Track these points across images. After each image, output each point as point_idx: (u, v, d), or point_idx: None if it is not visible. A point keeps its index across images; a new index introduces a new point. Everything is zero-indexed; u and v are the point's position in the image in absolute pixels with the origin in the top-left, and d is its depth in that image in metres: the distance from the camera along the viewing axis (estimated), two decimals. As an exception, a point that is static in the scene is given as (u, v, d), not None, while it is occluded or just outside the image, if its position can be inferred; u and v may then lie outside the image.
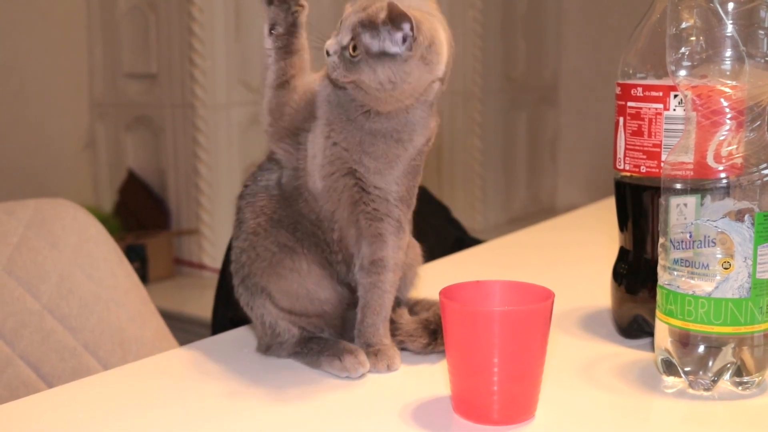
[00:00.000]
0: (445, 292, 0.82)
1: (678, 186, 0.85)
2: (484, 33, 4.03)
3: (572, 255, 1.48)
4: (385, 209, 0.94)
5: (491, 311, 0.79)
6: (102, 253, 1.38)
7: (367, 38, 0.86)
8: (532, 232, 1.69)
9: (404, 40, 0.86)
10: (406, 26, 0.85)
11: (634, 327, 1.01)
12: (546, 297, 0.81)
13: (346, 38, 0.87)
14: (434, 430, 0.79)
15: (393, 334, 0.97)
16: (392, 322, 0.97)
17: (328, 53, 0.88)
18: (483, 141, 4.01)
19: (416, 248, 1.04)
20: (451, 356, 0.81)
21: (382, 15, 0.85)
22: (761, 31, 0.81)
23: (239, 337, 1.06)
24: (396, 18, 0.84)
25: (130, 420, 0.83)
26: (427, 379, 0.91)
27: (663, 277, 0.87)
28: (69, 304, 1.31)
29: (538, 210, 4.34)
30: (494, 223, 4.09)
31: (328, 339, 0.97)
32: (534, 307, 0.79)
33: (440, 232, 1.68)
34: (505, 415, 0.79)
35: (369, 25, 0.85)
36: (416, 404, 0.85)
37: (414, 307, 1.04)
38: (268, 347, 0.98)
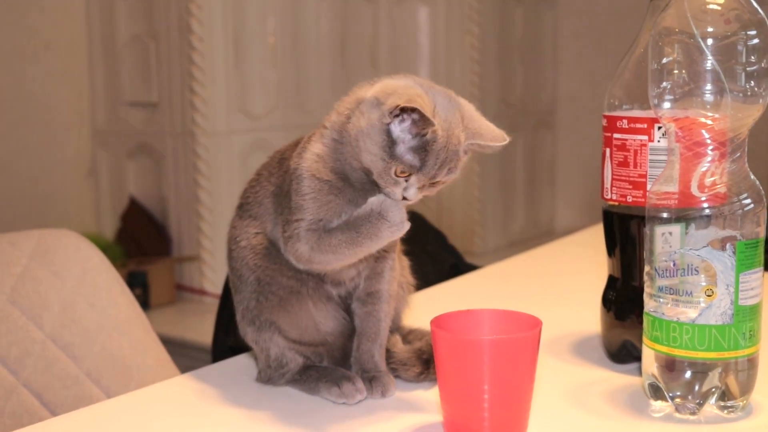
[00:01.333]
0: (436, 321, 0.84)
1: (663, 215, 0.88)
2: (481, 59, 4.07)
3: (565, 281, 1.51)
4: (385, 250, 0.97)
5: (480, 340, 0.81)
6: (104, 283, 1.40)
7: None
8: (527, 258, 1.72)
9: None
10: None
11: (623, 352, 1.04)
12: (534, 326, 0.83)
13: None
14: (427, 456, 0.82)
15: (387, 363, 1.00)
16: (386, 350, 1.00)
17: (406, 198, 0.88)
18: (481, 165, 4.04)
19: (410, 286, 1.07)
20: (442, 383, 0.83)
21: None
22: (738, 66, 0.84)
23: (239, 364, 1.09)
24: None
25: (132, 447, 0.85)
26: (421, 405, 0.94)
27: (649, 304, 0.90)
28: (72, 332, 1.34)
29: (537, 233, 4.37)
30: (493, 247, 4.12)
31: (327, 367, 1.00)
32: (522, 336, 0.81)
33: (436, 258, 1.70)
34: (496, 440, 0.82)
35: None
36: (410, 430, 0.87)
37: (408, 335, 1.06)
38: (269, 378, 1.01)
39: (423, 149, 0.85)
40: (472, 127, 0.88)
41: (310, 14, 3.57)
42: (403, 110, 0.83)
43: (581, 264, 1.58)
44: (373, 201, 0.89)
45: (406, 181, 0.86)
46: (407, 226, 0.88)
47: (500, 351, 0.80)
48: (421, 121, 0.83)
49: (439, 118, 0.85)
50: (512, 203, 4.37)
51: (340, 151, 0.89)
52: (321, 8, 3.62)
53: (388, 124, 0.84)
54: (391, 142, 0.85)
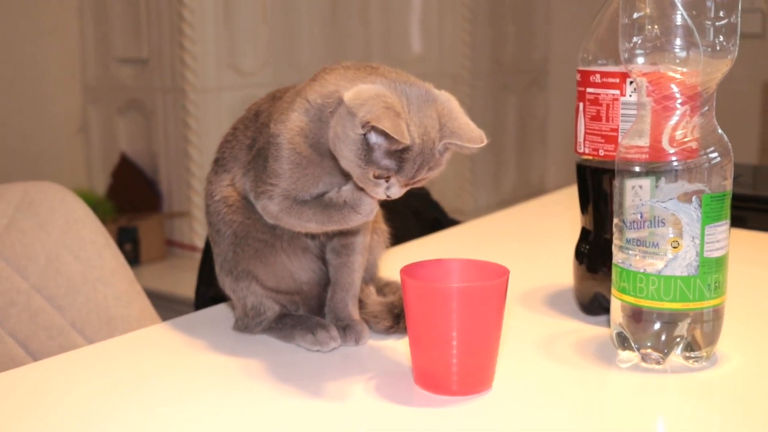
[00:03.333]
0: (406, 270, 0.86)
1: (633, 168, 0.89)
2: (473, 17, 4.07)
3: (544, 237, 1.52)
4: None
5: (449, 287, 0.83)
6: (89, 235, 1.42)
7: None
8: (508, 214, 1.74)
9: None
10: None
11: (595, 304, 1.06)
12: (502, 274, 0.85)
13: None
14: (396, 401, 0.83)
15: (359, 313, 1.02)
16: (360, 301, 1.02)
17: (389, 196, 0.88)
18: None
19: (384, 232, 1.08)
20: (411, 331, 0.85)
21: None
22: (708, 21, 0.85)
23: (218, 313, 1.11)
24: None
25: (114, 392, 0.87)
26: (392, 353, 0.96)
27: (617, 256, 0.92)
28: (57, 283, 1.35)
29: (527, 192, 4.38)
30: (484, 205, 4.14)
31: (302, 315, 1.02)
32: (490, 284, 0.83)
33: (419, 213, 1.72)
34: (463, 386, 0.84)
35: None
36: (380, 376, 0.89)
37: (383, 288, 1.08)
38: (246, 327, 1.03)
39: (399, 154, 0.84)
40: (450, 126, 0.87)
41: (302, -30, 3.56)
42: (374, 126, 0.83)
43: (561, 220, 1.60)
44: (347, 193, 0.90)
45: (387, 181, 0.86)
46: (375, 211, 0.90)
47: (468, 298, 0.81)
48: (392, 137, 0.82)
49: (413, 124, 0.84)
50: (503, 162, 4.38)
51: (322, 130, 0.89)
52: (312, -36, 3.61)
53: (362, 135, 0.84)
54: (367, 149, 0.84)
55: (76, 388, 0.88)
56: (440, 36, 4.05)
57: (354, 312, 1.01)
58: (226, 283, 1.02)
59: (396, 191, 0.87)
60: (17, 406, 0.84)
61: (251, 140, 0.98)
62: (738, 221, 1.51)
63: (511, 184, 4.42)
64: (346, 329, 0.98)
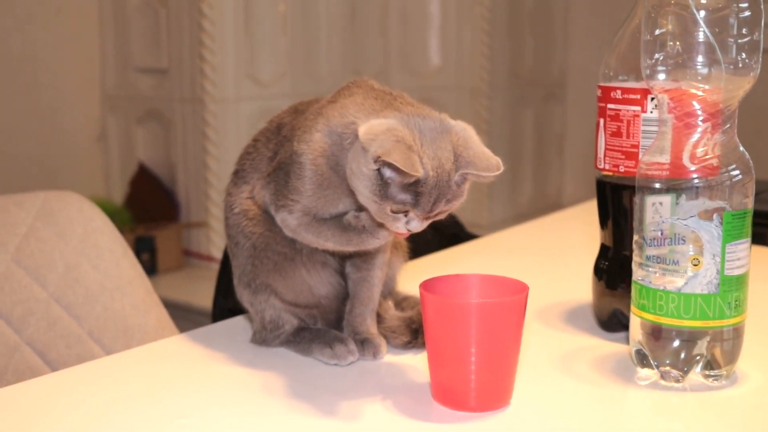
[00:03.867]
0: (425, 285, 0.86)
1: (654, 185, 0.89)
2: (491, 30, 4.06)
3: (562, 251, 1.52)
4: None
5: (468, 303, 0.83)
6: (107, 244, 1.42)
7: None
8: (526, 228, 1.73)
9: None
10: None
11: (613, 321, 1.05)
12: (521, 290, 0.85)
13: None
14: (414, 417, 0.83)
15: (377, 327, 1.02)
16: (378, 315, 1.02)
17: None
18: (490, 137, 4.04)
19: (403, 247, 1.08)
20: (430, 346, 0.85)
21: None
22: (730, 39, 0.85)
23: (236, 325, 1.11)
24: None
25: (131, 403, 0.87)
26: (410, 368, 0.96)
27: (637, 273, 0.91)
28: (75, 292, 1.36)
29: (544, 206, 4.37)
30: (500, 219, 4.12)
31: (320, 329, 1.02)
32: (509, 300, 0.83)
33: (437, 227, 1.71)
34: (482, 402, 0.83)
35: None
36: (398, 392, 0.89)
37: (401, 302, 1.08)
38: (263, 340, 1.03)
39: (414, 188, 0.84)
40: (466, 156, 0.86)
41: (321, -18, 3.57)
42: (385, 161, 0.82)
43: (580, 235, 1.59)
44: (366, 220, 0.90)
45: (405, 215, 0.86)
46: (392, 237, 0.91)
47: (487, 314, 0.81)
48: (403, 170, 0.82)
49: (426, 156, 0.83)
50: (520, 176, 4.37)
51: (342, 154, 0.89)
52: (332, -24, 3.62)
53: (375, 170, 0.84)
54: (381, 185, 0.84)
55: (93, 399, 0.88)
56: (459, 48, 4.05)
57: (372, 326, 1.01)
58: (244, 296, 1.02)
59: (416, 225, 0.87)
60: (35, 416, 0.84)
61: (272, 153, 0.98)
62: (758, 238, 1.51)
63: (527, 198, 4.41)
64: (364, 343, 0.98)
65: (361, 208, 0.90)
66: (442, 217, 0.89)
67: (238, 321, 1.12)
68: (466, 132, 0.88)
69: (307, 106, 0.97)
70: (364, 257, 1.01)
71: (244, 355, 1.00)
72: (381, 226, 0.89)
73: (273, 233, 0.98)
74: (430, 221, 0.88)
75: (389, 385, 0.91)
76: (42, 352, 1.31)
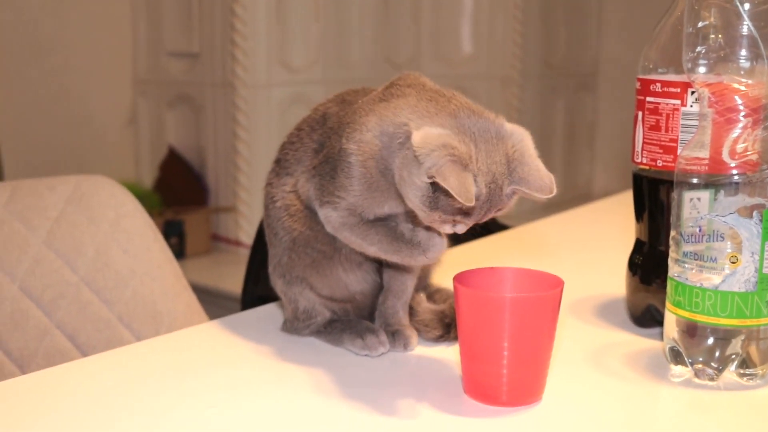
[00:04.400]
0: (459, 278, 0.85)
1: (692, 180, 0.87)
2: (524, 18, 4.04)
3: (594, 244, 1.51)
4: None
5: (502, 297, 0.82)
6: (138, 229, 1.42)
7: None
8: (557, 220, 1.72)
9: None
10: None
11: (647, 316, 1.04)
12: (556, 285, 0.84)
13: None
14: (445, 410, 0.82)
15: (409, 320, 1.01)
16: (410, 308, 1.01)
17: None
18: (520, 126, 4.02)
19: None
20: (463, 340, 0.84)
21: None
22: (774, 33, 0.83)
23: (267, 313, 1.10)
24: None
25: (159, 390, 0.87)
26: (442, 361, 0.95)
27: (673, 269, 0.90)
28: (105, 277, 1.36)
29: (574, 196, 4.34)
30: (530, 209, 4.10)
31: (351, 319, 1.01)
32: (543, 295, 0.82)
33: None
34: (513, 397, 0.83)
35: None
36: (430, 384, 0.88)
37: (434, 294, 1.07)
38: (294, 329, 1.02)
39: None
40: (520, 172, 0.84)
41: (354, -32, 3.56)
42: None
43: (612, 228, 1.58)
44: (423, 235, 0.89)
45: (454, 220, 0.84)
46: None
47: (521, 309, 0.80)
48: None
49: (480, 173, 0.81)
50: (550, 165, 4.26)
51: (392, 157, 0.86)
52: (365, -37, 3.61)
53: (428, 183, 0.81)
54: (433, 197, 0.82)
55: (122, 385, 0.88)
56: (491, 36, 4.03)
57: (404, 318, 1.00)
58: (278, 284, 1.02)
59: (462, 228, 0.86)
60: (65, 401, 0.84)
61: (318, 144, 0.96)
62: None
63: (557, 188, 4.37)
64: (395, 334, 0.97)
65: (408, 211, 0.89)
66: (485, 219, 0.88)
67: (269, 309, 1.12)
68: (523, 143, 0.86)
69: (355, 97, 0.95)
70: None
71: (274, 344, 0.99)
72: (434, 243, 0.89)
73: (314, 231, 0.97)
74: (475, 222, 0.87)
75: (420, 377, 0.91)
76: (72, 336, 1.31)
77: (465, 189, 0.78)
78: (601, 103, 4.53)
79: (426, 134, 0.82)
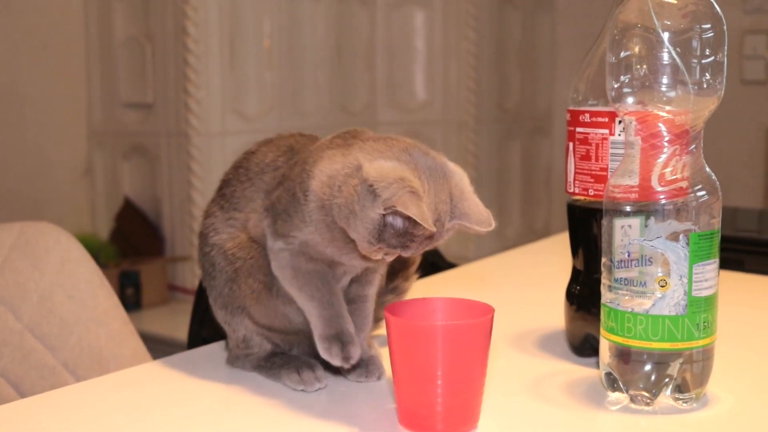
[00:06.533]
0: (391, 309, 0.85)
1: (623, 208, 0.89)
2: (477, 64, 4.08)
3: (539, 279, 1.52)
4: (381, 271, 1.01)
5: (433, 325, 0.83)
6: (83, 275, 1.41)
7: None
8: (505, 257, 1.73)
9: None
10: None
11: (586, 345, 1.05)
12: (486, 312, 0.84)
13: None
14: (381, 441, 0.82)
15: None
16: None
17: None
18: (477, 170, 4.05)
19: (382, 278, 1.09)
20: (396, 370, 0.84)
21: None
22: (694, 60, 0.85)
23: (210, 352, 1.10)
24: None
25: (104, 430, 0.86)
26: (376, 393, 0.95)
27: (606, 296, 0.91)
28: (50, 323, 1.35)
29: (532, 239, 4.36)
30: (487, 252, 4.11)
31: (292, 355, 1.01)
32: (474, 322, 0.82)
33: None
34: (449, 425, 0.82)
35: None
36: (365, 417, 0.88)
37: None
38: (236, 358, 1.03)
39: (411, 235, 0.85)
40: (461, 207, 0.88)
41: (306, 17, 3.59)
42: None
43: (559, 263, 1.59)
44: (347, 337, 0.93)
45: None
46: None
47: (453, 336, 0.80)
48: (416, 222, 0.83)
49: (429, 208, 0.85)
50: (507, 209, 4.37)
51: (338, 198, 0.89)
52: (317, 11, 3.63)
53: (381, 215, 0.84)
54: (380, 229, 0.85)
55: (63, 426, 0.87)
56: (445, 82, 4.07)
57: (372, 348, 1.02)
58: (219, 315, 1.02)
59: (391, 258, 0.90)
60: (-3, 443, 0.83)
61: (269, 186, 0.98)
62: (736, 264, 1.51)
63: (515, 231, 4.41)
64: (369, 365, 0.98)
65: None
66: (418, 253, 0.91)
67: (213, 348, 1.11)
68: (463, 181, 0.90)
69: (302, 141, 0.99)
70: (358, 293, 1.01)
71: (217, 380, 0.99)
72: (355, 347, 0.93)
73: (257, 261, 0.98)
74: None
75: (356, 410, 0.90)
76: (15, 384, 1.30)
77: (426, 217, 0.82)
78: (557, 146, 4.58)
79: (381, 167, 0.85)
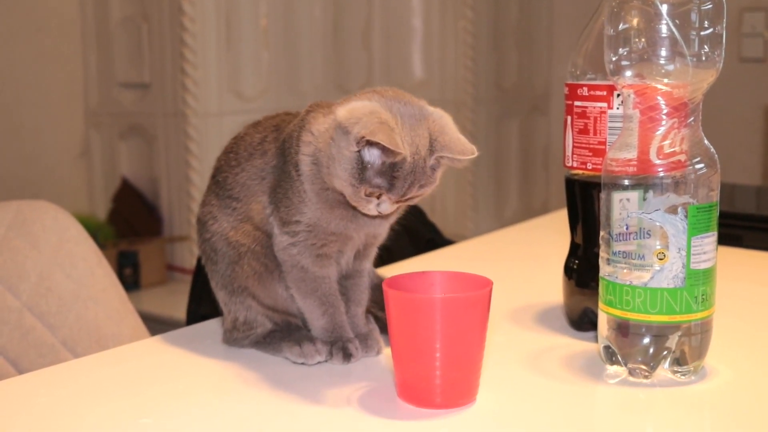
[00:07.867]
0: (390, 282, 0.85)
1: (621, 182, 0.88)
2: (475, 43, 4.07)
3: (538, 254, 1.52)
4: (374, 237, 1.01)
5: (432, 298, 0.82)
6: (81, 253, 1.41)
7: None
8: (504, 233, 1.73)
9: None
10: None
11: (584, 320, 1.05)
12: (485, 285, 0.84)
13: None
14: (379, 415, 0.82)
15: None
16: None
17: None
18: (475, 146, 4.04)
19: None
20: (394, 344, 0.84)
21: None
22: (693, 32, 0.85)
23: (208, 328, 1.10)
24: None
25: (96, 403, 0.86)
26: (374, 366, 0.95)
27: (604, 269, 0.91)
28: (48, 302, 1.35)
29: (530, 217, 4.36)
30: (486, 231, 4.11)
31: (292, 328, 1.01)
32: (473, 294, 0.82)
33: (414, 233, 1.71)
34: (447, 399, 0.83)
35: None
36: (364, 390, 0.88)
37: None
38: (234, 340, 1.03)
39: (391, 172, 0.86)
40: (441, 141, 0.88)
41: (303, -3, 3.58)
42: (369, 141, 0.84)
43: (557, 238, 1.59)
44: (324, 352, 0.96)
45: (378, 197, 0.88)
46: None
47: (452, 309, 0.80)
48: (388, 150, 0.84)
49: (404, 142, 0.86)
50: (505, 188, 4.37)
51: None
52: (314, -9, 3.62)
53: (357, 151, 0.86)
54: (360, 168, 0.86)
55: (59, 401, 0.87)
56: (442, 62, 4.06)
57: (370, 321, 1.03)
58: (220, 295, 1.03)
59: (386, 207, 0.89)
60: (5, 419, 0.84)
61: (260, 170, 0.98)
62: (735, 240, 1.51)
63: (513, 210, 4.41)
64: (368, 340, 0.99)
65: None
66: (413, 202, 0.92)
67: (211, 324, 1.11)
68: (443, 119, 0.91)
69: (288, 119, 1.00)
70: (355, 268, 1.02)
71: (215, 356, 0.99)
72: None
73: (262, 247, 0.99)
74: (400, 205, 0.91)
75: (355, 383, 0.90)
76: (15, 362, 1.30)
77: (396, 142, 0.84)
78: (554, 125, 4.57)
79: (352, 107, 0.88)
